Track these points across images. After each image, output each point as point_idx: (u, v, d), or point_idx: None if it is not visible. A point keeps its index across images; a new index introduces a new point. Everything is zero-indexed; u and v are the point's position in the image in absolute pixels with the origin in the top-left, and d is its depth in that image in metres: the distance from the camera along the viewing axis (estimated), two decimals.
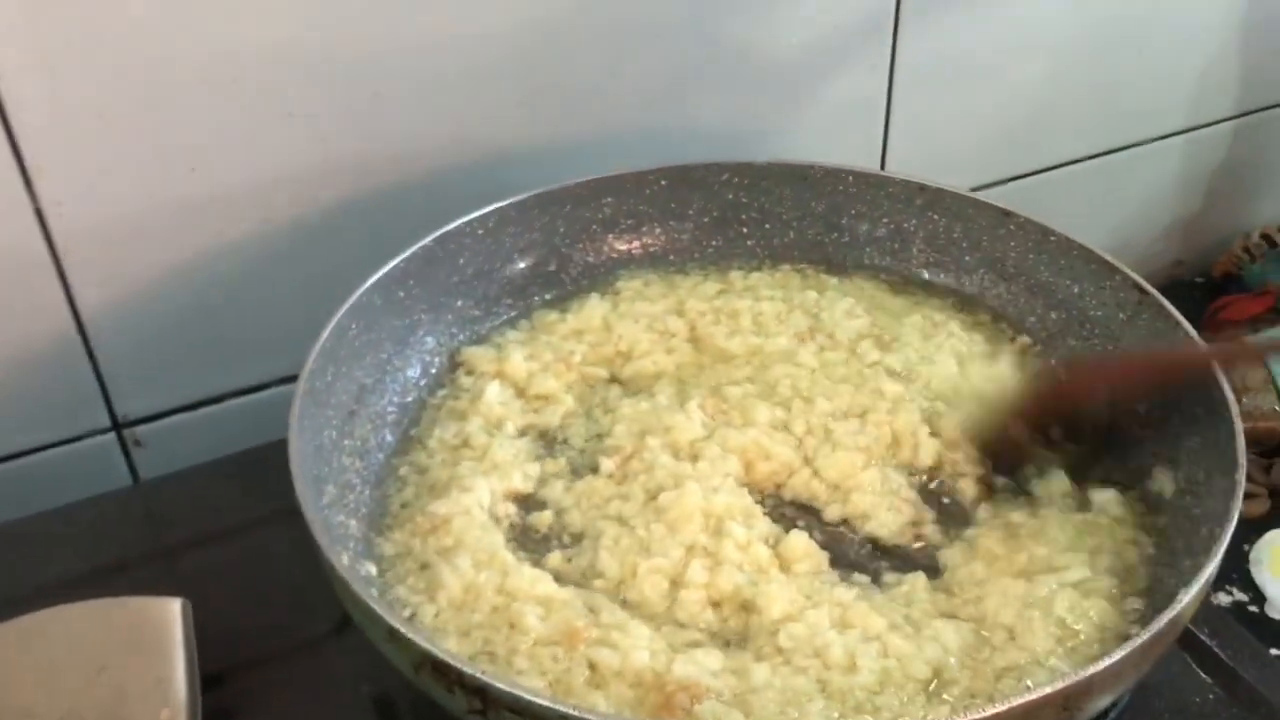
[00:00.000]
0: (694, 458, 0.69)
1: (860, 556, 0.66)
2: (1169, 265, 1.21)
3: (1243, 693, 0.65)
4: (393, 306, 0.73)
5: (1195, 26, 1.06)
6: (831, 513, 0.68)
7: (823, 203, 0.84)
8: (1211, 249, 1.20)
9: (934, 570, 0.65)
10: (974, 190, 0.86)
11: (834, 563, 0.65)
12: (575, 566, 0.65)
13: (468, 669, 0.50)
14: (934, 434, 0.71)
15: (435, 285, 0.76)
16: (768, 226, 0.84)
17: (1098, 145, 1.08)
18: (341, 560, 0.56)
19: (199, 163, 0.76)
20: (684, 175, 0.83)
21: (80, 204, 0.74)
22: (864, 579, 0.65)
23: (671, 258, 0.84)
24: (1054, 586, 0.61)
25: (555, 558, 0.65)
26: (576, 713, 0.48)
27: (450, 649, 0.57)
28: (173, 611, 0.63)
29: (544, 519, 0.68)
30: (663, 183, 0.83)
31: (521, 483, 0.69)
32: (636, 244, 0.84)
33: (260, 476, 0.72)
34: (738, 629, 0.61)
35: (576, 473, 0.70)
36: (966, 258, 0.81)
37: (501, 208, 0.78)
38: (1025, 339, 0.78)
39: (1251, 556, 0.87)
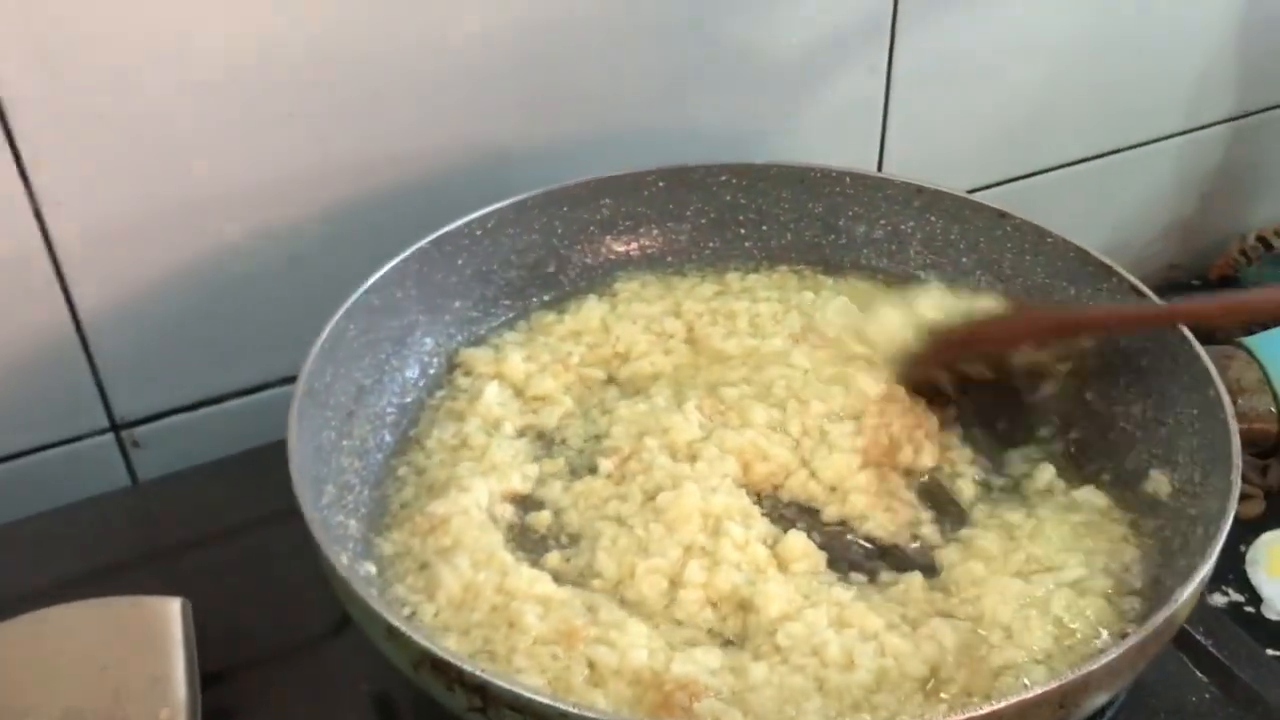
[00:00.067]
0: (692, 458, 0.69)
1: (857, 556, 0.67)
2: (1165, 268, 1.22)
3: (1239, 692, 0.65)
4: (391, 307, 0.73)
5: (1193, 29, 1.06)
6: (829, 513, 0.69)
7: (820, 204, 0.84)
8: (1208, 251, 1.20)
9: (931, 570, 0.65)
10: (971, 192, 0.86)
11: (832, 563, 0.66)
12: (573, 566, 0.65)
13: (468, 667, 0.50)
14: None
15: (433, 286, 0.76)
16: (765, 228, 0.85)
17: (1095, 147, 1.09)
18: (341, 560, 0.56)
19: (198, 163, 0.76)
20: (682, 176, 0.83)
21: (79, 204, 0.74)
22: (861, 579, 0.65)
23: (669, 259, 0.84)
24: (1051, 586, 0.62)
25: (553, 558, 0.65)
26: (576, 710, 0.48)
27: (450, 648, 0.58)
28: (172, 611, 0.63)
29: (542, 519, 0.68)
30: (660, 184, 0.83)
31: (520, 483, 0.69)
32: (634, 245, 0.84)
33: (259, 477, 0.72)
34: (736, 628, 0.61)
35: (575, 473, 0.70)
36: (963, 259, 0.82)
37: (500, 209, 0.78)
38: None
39: (1248, 557, 0.87)
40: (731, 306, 0.80)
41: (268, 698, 0.66)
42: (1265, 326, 0.91)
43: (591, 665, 0.58)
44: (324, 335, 0.67)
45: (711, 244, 0.84)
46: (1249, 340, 0.90)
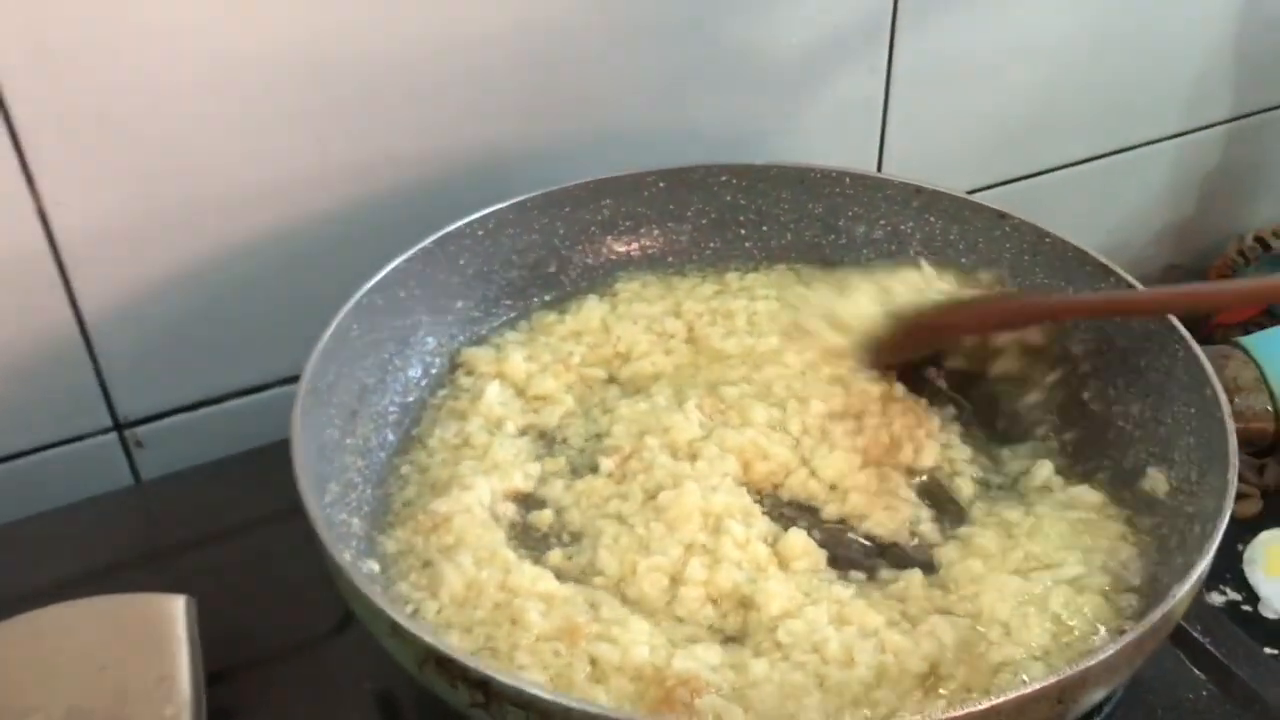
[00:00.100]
0: (692, 457, 0.70)
1: (857, 554, 0.67)
2: (1162, 268, 1.22)
3: (1236, 690, 0.66)
4: (394, 307, 0.74)
5: (1191, 31, 1.07)
6: (829, 511, 0.69)
7: (820, 205, 0.84)
8: (1206, 252, 1.21)
9: (930, 568, 0.65)
10: (970, 193, 0.86)
11: (832, 560, 0.66)
12: (575, 564, 0.65)
13: (471, 663, 0.50)
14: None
15: (436, 286, 0.76)
16: (765, 228, 0.85)
17: (1094, 148, 1.09)
18: (345, 558, 0.56)
19: (200, 164, 0.76)
20: (682, 177, 0.84)
21: (82, 204, 0.74)
22: (861, 576, 0.65)
23: (670, 259, 0.84)
24: (1049, 583, 0.62)
25: (555, 555, 0.66)
26: (578, 706, 0.48)
27: (453, 645, 0.58)
28: (177, 609, 0.63)
29: (544, 518, 0.68)
30: (661, 184, 0.83)
31: (522, 482, 0.70)
32: (635, 246, 0.84)
33: (260, 477, 0.72)
34: (737, 625, 0.62)
35: (576, 472, 0.71)
36: (963, 259, 0.82)
37: (501, 209, 0.78)
38: None
39: (1245, 556, 0.87)
40: (730, 306, 0.80)
41: (270, 697, 0.66)
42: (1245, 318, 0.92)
43: (593, 662, 0.58)
44: (327, 334, 0.67)
45: (712, 244, 0.85)
46: (1246, 340, 0.90)
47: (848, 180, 0.84)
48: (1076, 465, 0.71)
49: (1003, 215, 0.80)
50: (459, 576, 0.62)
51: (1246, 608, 0.84)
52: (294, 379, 0.66)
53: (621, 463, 0.70)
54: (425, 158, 0.82)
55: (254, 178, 0.78)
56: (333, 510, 0.64)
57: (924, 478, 0.71)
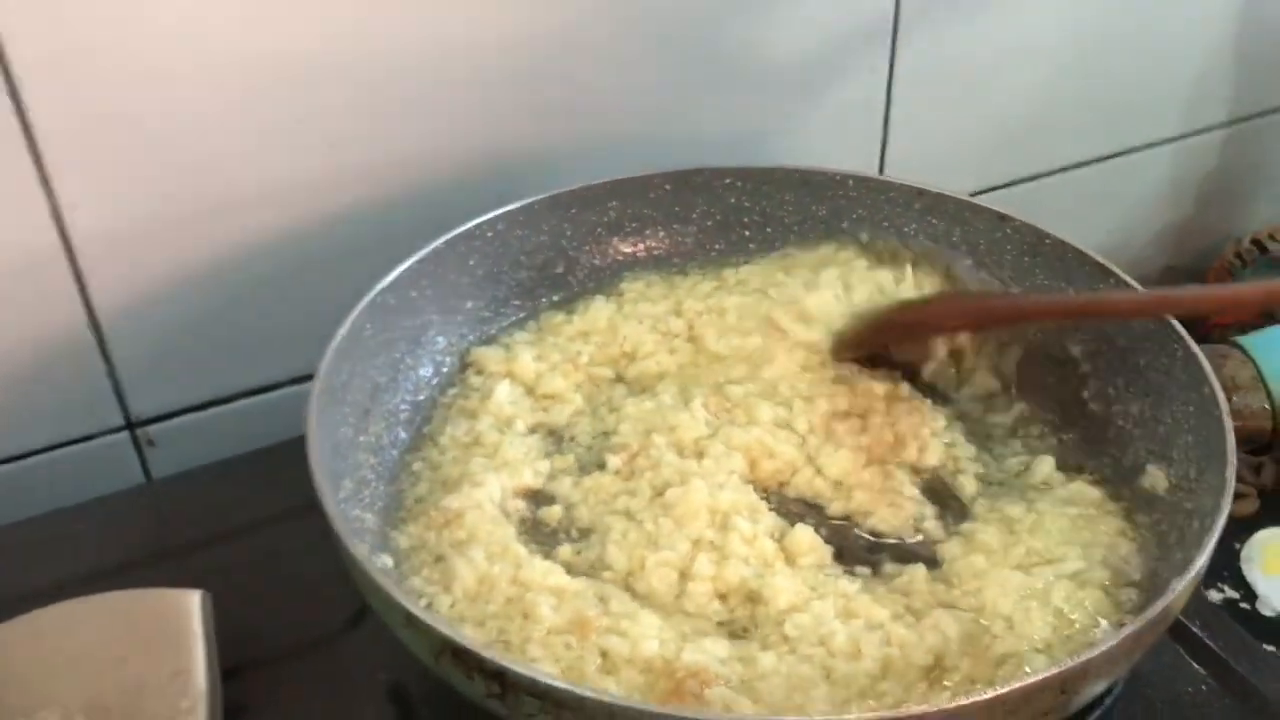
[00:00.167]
0: (699, 455, 0.71)
1: (862, 550, 0.68)
2: (1160, 270, 1.23)
3: (1235, 684, 0.66)
4: (406, 307, 0.74)
5: (1190, 34, 1.08)
6: (834, 509, 0.70)
7: (824, 207, 0.85)
8: (1203, 254, 1.21)
9: (933, 563, 0.66)
10: (971, 195, 0.87)
11: (837, 556, 0.67)
12: (584, 559, 0.66)
13: (487, 654, 0.51)
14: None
15: (446, 286, 0.77)
16: (769, 230, 0.86)
17: (1092, 151, 1.10)
18: (362, 551, 0.57)
19: (213, 166, 0.77)
20: (687, 179, 0.84)
21: (96, 205, 0.75)
22: (866, 571, 0.66)
23: (675, 260, 0.85)
24: (1050, 578, 0.63)
25: (565, 551, 0.66)
26: (593, 695, 0.49)
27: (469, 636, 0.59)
28: (192, 603, 0.64)
29: (553, 514, 0.69)
30: (667, 187, 0.84)
31: (531, 479, 0.70)
32: (641, 247, 0.85)
33: (271, 475, 0.73)
34: (744, 619, 0.63)
35: (584, 469, 0.72)
36: (964, 261, 0.82)
37: (510, 210, 0.79)
38: None
39: (1243, 555, 0.88)
40: (724, 303, 0.81)
41: (283, 692, 0.66)
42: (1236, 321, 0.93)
43: (604, 654, 0.59)
44: (341, 333, 0.68)
45: (717, 245, 0.86)
46: (1243, 339, 0.91)
47: (851, 183, 0.84)
48: (1076, 462, 0.72)
49: (1003, 217, 0.81)
50: (471, 571, 0.62)
51: (1244, 605, 0.85)
52: (304, 379, 0.67)
53: (629, 460, 0.71)
54: (433, 161, 0.83)
55: (266, 179, 0.79)
56: (346, 506, 0.65)
57: (927, 475, 0.72)
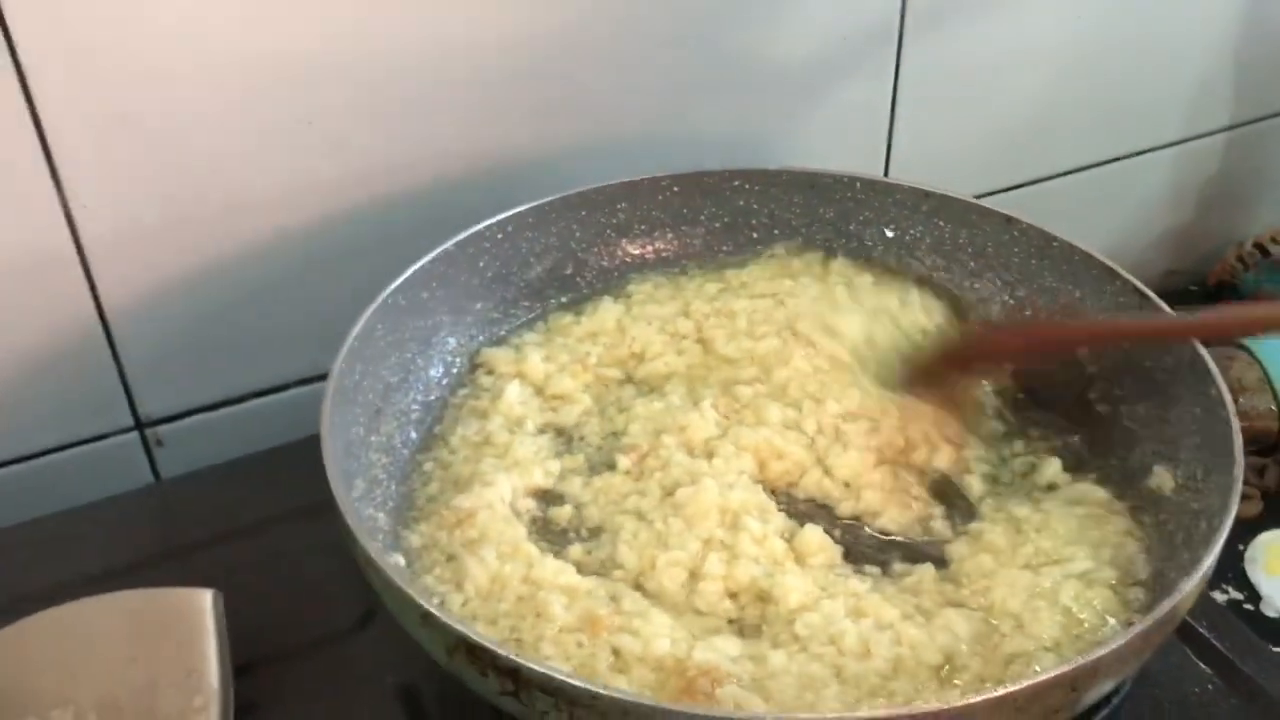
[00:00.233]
0: (709, 455, 0.71)
1: (871, 550, 0.68)
2: (1162, 273, 1.23)
3: (1241, 684, 0.67)
4: (416, 308, 0.75)
5: (1193, 38, 1.08)
6: (843, 509, 0.70)
7: (831, 209, 0.85)
8: (1206, 257, 1.22)
9: (942, 562, 0.67)
10: (976, 198, 0.87)
11: (847, 556, 0.67)
12: (595, 559, 0.66)
13: (501, 651, 0.51)
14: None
15: (456, 288, 0.78)
16: (777, 232, 0.86)
17: (1096, 154, 1.10)
18: (376, 549, 0.57)
19: (222, 167, 0.77)
20: (695, 181, 0.85)
21: (107, 206, 0.75)
22: (875, 571, 0.66)
23: (683, 262, 0.86)
24: (1058, 577, 0.63)
25: (575, 550, 0.67)
26: (605, 692, 0.50)
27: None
28: (204, 602, 0.64)
29: (564, 513, 0.69)
30: (675, 189, 0.85)
31: (542, 478, 0.71)
32: (649, 249, 0.86)
33: (279, 475, 0.74)
34: (755, 618, 0.63)
35: (594, 469, 0.72)
36: (971, 263, 0.83)
37: (519, 213, 0.80)
38: None
39: (1247, 556, 0.89)
40: (732, 306, 0.81)
41: (293, 691, 0.67)
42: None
43: (616, 652, 0.59)
44: (354, 334, 0.68)
45: (724, 247, 0.86)
46: (1250, 341, 0.91)
47: (858, 185, 0.85)
48: (1084, 462, 0.72)
49: (1010, 220, 0.81)
50: (483, 570, 0.63)
51: (1248, 606, 0.85)
52: (313, 379, 0.67)
53: (639, 460, 0.71)
54: (434, 160, 0.83)
55: (273, 182, 0.79)
56: (359, 505, 0.65)
57: (935, 476, 0.72)
